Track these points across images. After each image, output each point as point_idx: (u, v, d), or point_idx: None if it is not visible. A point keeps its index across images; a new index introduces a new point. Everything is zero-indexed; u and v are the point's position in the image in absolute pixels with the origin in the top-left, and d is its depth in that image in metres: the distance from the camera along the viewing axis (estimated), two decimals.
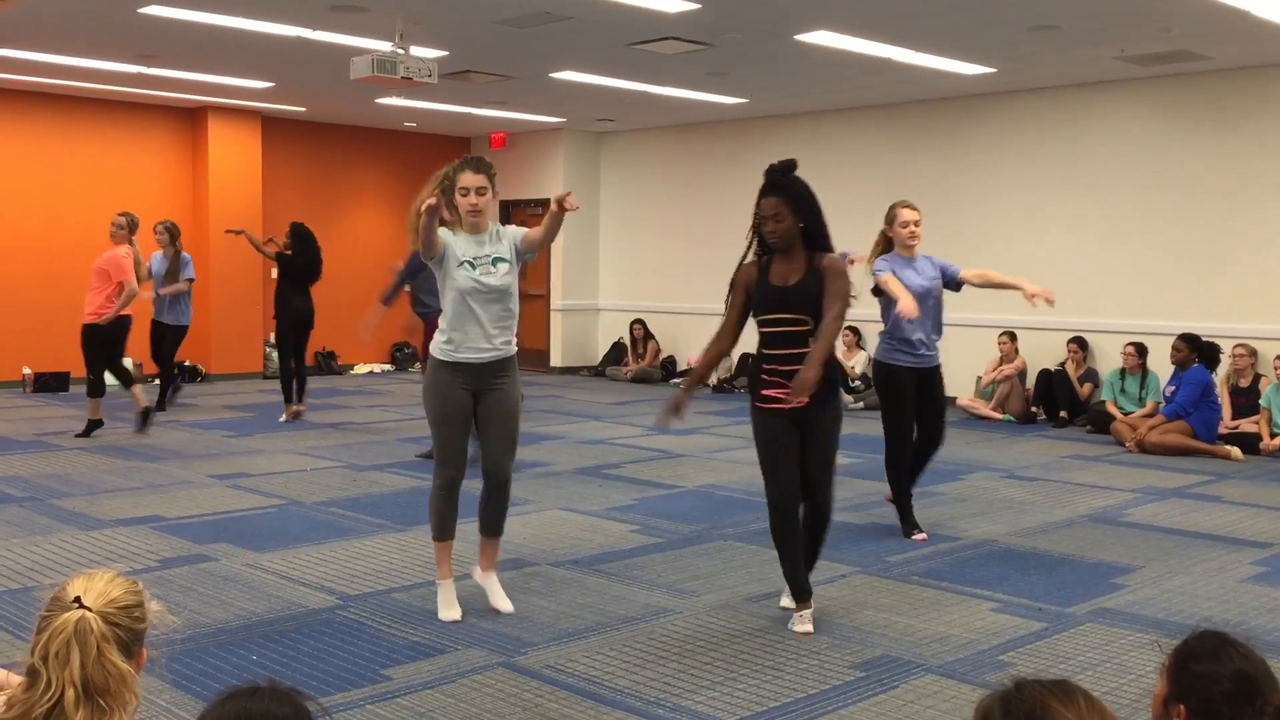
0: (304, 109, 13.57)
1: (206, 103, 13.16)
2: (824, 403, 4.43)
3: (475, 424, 4.67)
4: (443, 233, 4.55)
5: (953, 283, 6.18)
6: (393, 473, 7.81)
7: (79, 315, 9.27)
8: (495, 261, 4.62)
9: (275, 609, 4.74)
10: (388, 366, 15.22)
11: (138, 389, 9.30)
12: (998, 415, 10.89)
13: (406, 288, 8.78)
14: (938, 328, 6.12)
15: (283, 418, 10.26)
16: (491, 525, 4.77)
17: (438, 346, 4.62)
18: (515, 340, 4.71)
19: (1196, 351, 9.23)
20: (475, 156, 4.67)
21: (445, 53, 9.59)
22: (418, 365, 15.47)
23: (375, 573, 5.31)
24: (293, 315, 10.21)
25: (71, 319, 11.17)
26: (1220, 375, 9.55)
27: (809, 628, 4.49)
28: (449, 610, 4.65)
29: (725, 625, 4.58)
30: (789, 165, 4.47)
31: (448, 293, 4.58)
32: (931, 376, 6.08)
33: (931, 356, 6.08)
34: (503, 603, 4.71)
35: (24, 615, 4.43)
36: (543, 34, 8.95)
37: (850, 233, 12.54)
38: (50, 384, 12.19)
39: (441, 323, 4.63)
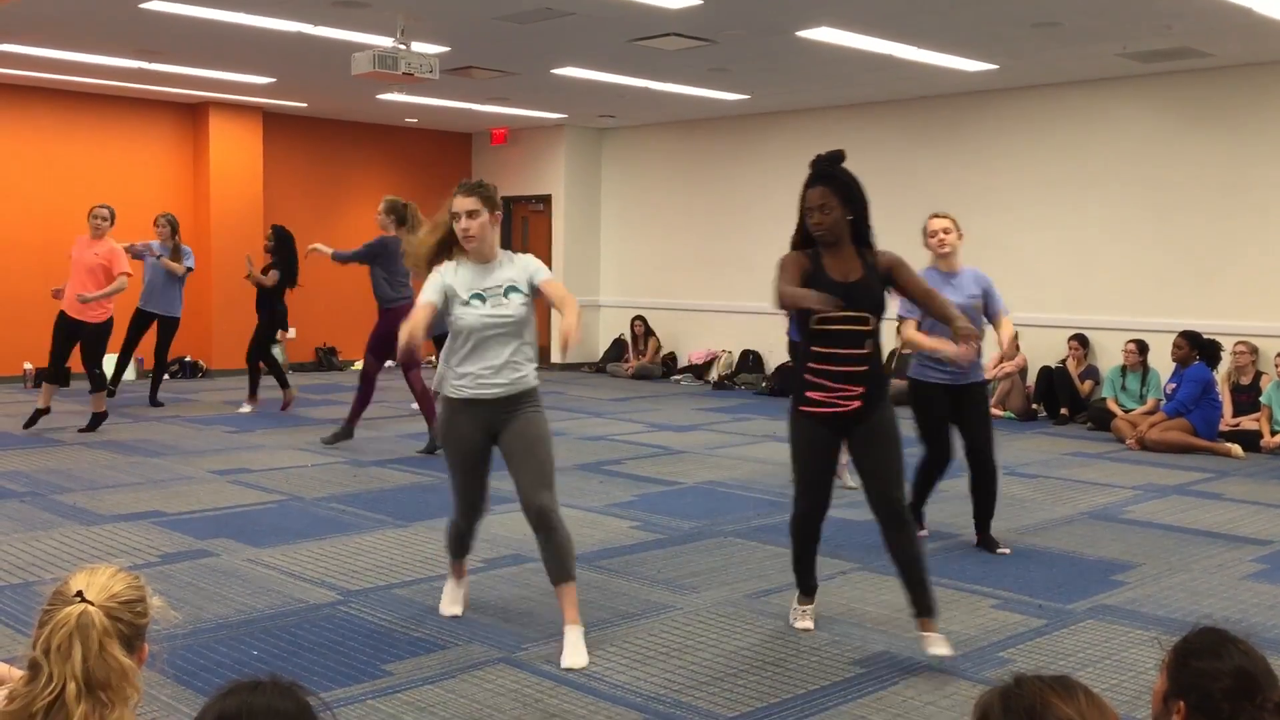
0: (305, 105, 13.57)
1: (208, 98, 13.15)
2: (873, 406, 4.15)
3: (505, 461, 4.28)
4: (444, 269, 4.24)
5: (989, 316, 5.82)
6: (394, 468, 7.81)
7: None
8: (508, 291, 4.19)
9: (276, 604, 4.75)
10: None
11: (103, 396, 9.24)
12: (999, 412, 10.89)
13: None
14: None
15: (247, 409, 10.41)
16: (554, 572, 4.19)
17: (449, 383, 4.26)
18: (533, 370, 4.30)
19: (1197, 349, 9.23)
20: (468, 180, 4.30)
21: (446, 48, 9.59)
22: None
23: (376, 568, 5.32)
24: (270, 314, 10.39)
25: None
26: (1221, 373, 9.55)
27: (809, 624, 4.47)
28: (450, 606, 4.63)
29: (725, 621, 4.58)
30: (837, 155, 4.21)
31: (457, 329, 4.20)
32: (966, 394, 5.68)
33: (962, 373, 5.59)
34: (571, 657, 4.06)
35: (25, 610, 4.44)
36: (544, 30, 8.95)
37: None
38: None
39: (451, 356, 4.25)
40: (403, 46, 8.23)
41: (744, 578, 5.23)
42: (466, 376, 4.21)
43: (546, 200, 15.27)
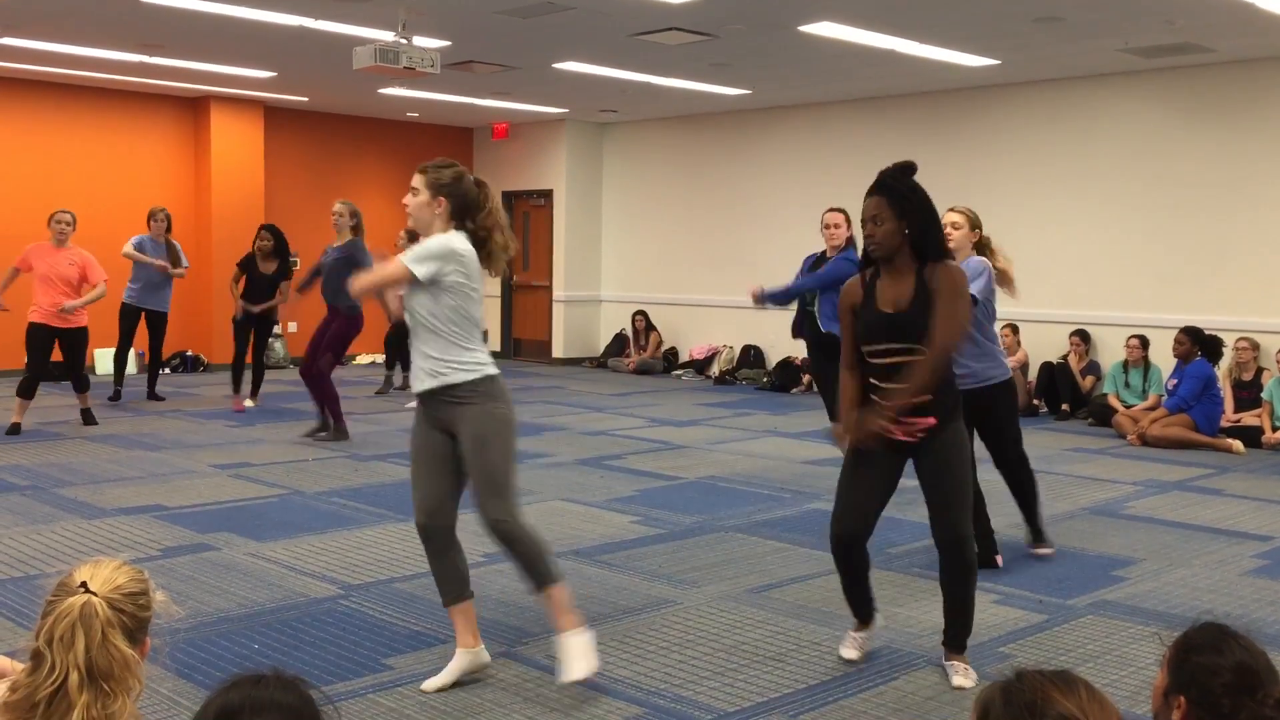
0: (306, 99, 13.56)
1: (209, 92, 13.15)
2: (940, 426, 3.85)
3: None
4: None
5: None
6: (394, 463, 7.81)
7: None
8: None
9: (277, 598, 4.75)
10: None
11: (88, 396, 9.28)
12: None
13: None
14: (976, 343, 5.11)
15: (240, 406, 10.40)
16: (526, 580, 3.99)
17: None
18: (464, 366, 3.85)
19: (1199, 345, 9.22)
20: (436, 160, 4.06)
21: (448, 43, 9.58)
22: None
23: (377, 562, 5.32)
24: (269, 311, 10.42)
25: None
26: (1222, 368, 9.54)
27: (854, 654, 4.10)
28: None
29: (727, 616, 4.58)
30: (905, 166, 3.89)
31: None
32: (978, 399, 5.01)
33: (970, 378, 5.02)
34: (569, 669, 3.78)
35: (26, 603, 4.45)
36: (545, 24, 8.94)
37: (854, 224, 12.54)
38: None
39: None
40: (404, 41, 8.22)
41: (745, 572, 5.23)
42: (412, 369, 3.99)
43: (548, 195, 15.26)
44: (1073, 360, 10.75)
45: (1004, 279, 5.43)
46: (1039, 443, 9.17)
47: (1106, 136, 10.85)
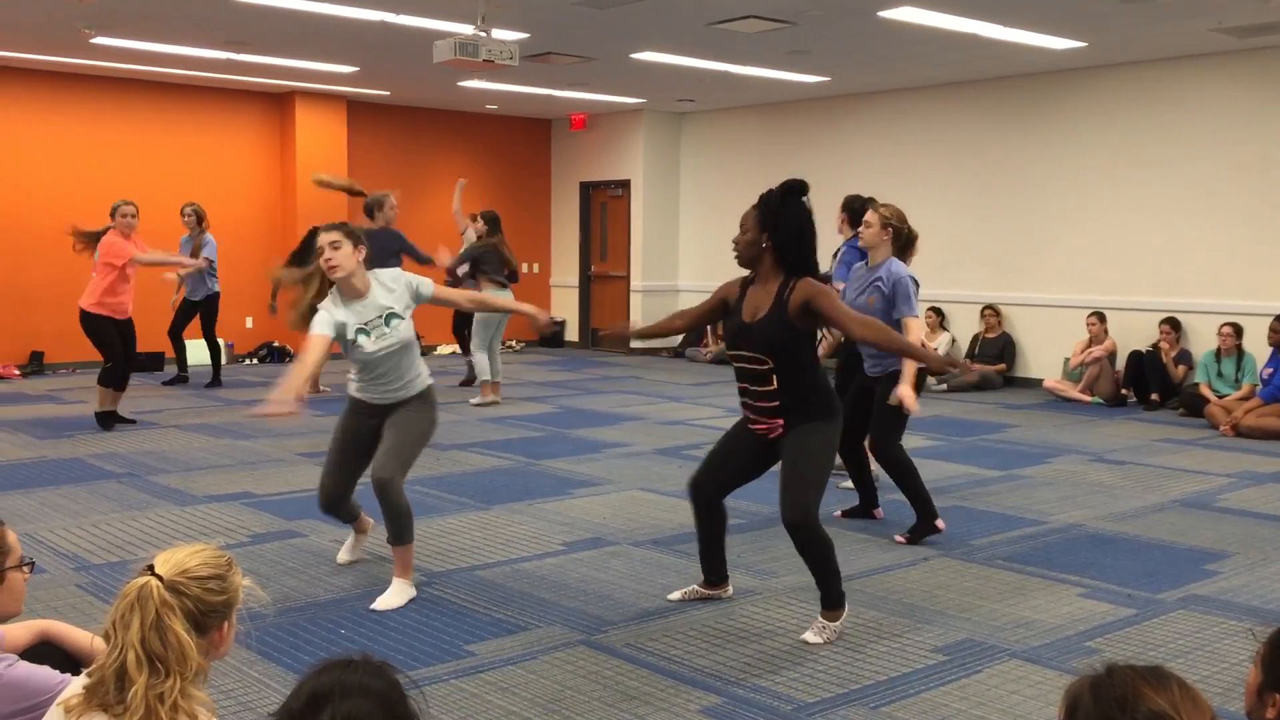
0: (388, 93, 13.74)
1: (294, 88, 13.39)
2: (792, 428, 4.17)
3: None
4: (327, 305, 4.52)
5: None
6: (475, 452, 7.90)
7: (170, 296, 9.47)
8: (388, 319, 4.55)
9: (362, 584, 4.84)
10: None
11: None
12: (1086, 398, 10.68)
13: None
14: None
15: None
16: (388, 533, 4.69)
17: (353, 385, 4.71)
18: (420, 378, 4.71)
19: None
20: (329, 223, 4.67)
21: (526, 35, 9.64)
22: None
23: (459, 550, 5.39)
24: None
25: (164, 299, 11.55)
26: None
27: (816, 639, 4.18)
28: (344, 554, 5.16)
29: (805, 606, 4.56)
30: (792, 186, 4.33)
31: (354, 360, 4.60)
32: (879, 384, 5.60)
33: (878, 367, 5.65)
34: (383, 600, 4.58)
35: (119, 587, 4.57)
36: (623, 14, 8.95)
37: (932, 213, 12.39)
38: (145, 364, 12.53)
39: (354, 372, 4.69)
40: (483, 34, 8.29)
41: None
42: (366, 391, 4.65)
43: (625, 185, 15.29)
44: (1165, 348, 10.50)
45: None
46: (1129, 433, 8.98)
47: (1197, 119, 10.55)
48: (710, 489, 4.47)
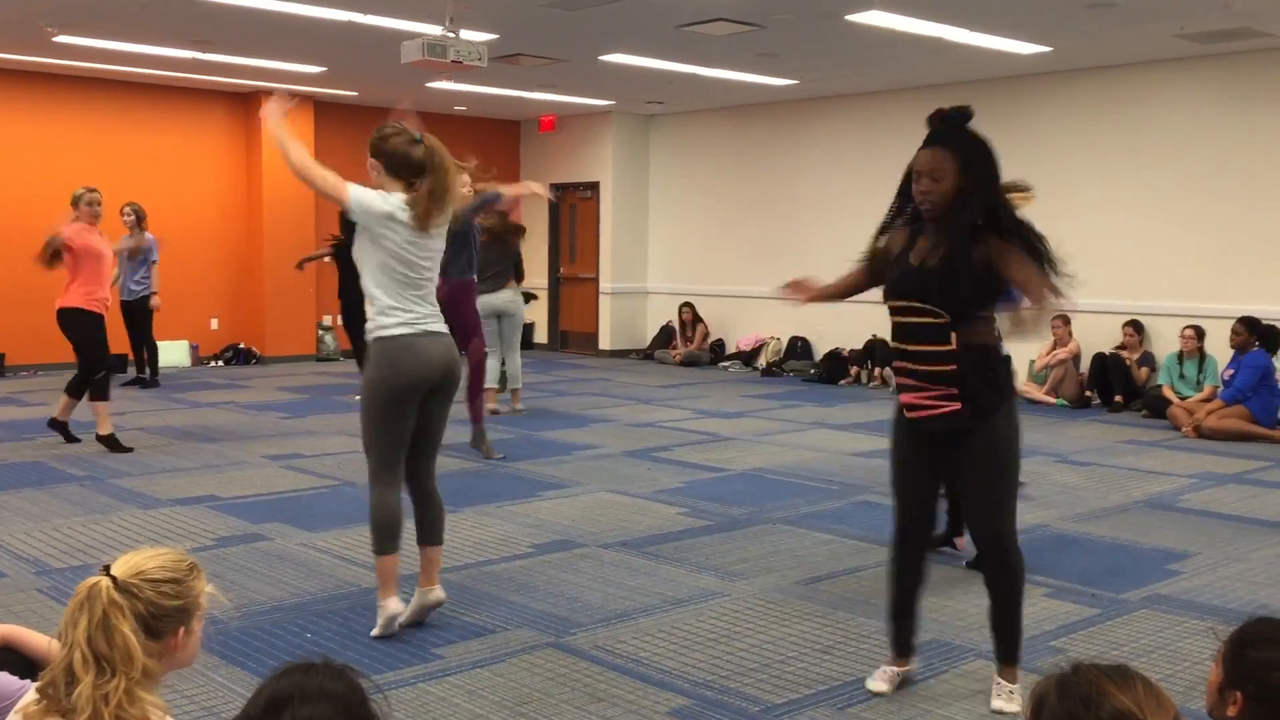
0: (355, 93, 13.67)
1: (260, 87, 13.29)
2: (980, 413, 3.51)
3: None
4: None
5: None
6: (443, 454, 7.84)
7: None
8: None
9: (328, 588, 4.81)
10: None
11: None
12: (1051, 400, 10.77)
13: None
14: None
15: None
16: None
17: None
18: (365, 325, 4.28)
19: (1256, 335, 9.06)
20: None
21: (495, 36, 9.61)
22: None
23: None
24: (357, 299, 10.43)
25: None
26: None
27: (883, 686, 3.70)
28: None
29: (774, 608, 4.57)
30: (963, 112, 3.58)
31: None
32: None
33: None
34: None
35: None
36: (593, 16, 8.94)
37: None
38: (113, 365, 12.41)
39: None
40: (452, 34, 8.26)
41: (792, 564, 5.21)
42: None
43: (594, 187, 15.28)
44: (1127, 351, 10.60)
45: None
46: (1092, 435, 9.06)
47: (1160, 124, 10.67)
48: (921, 531, 3.71)
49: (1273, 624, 2.06)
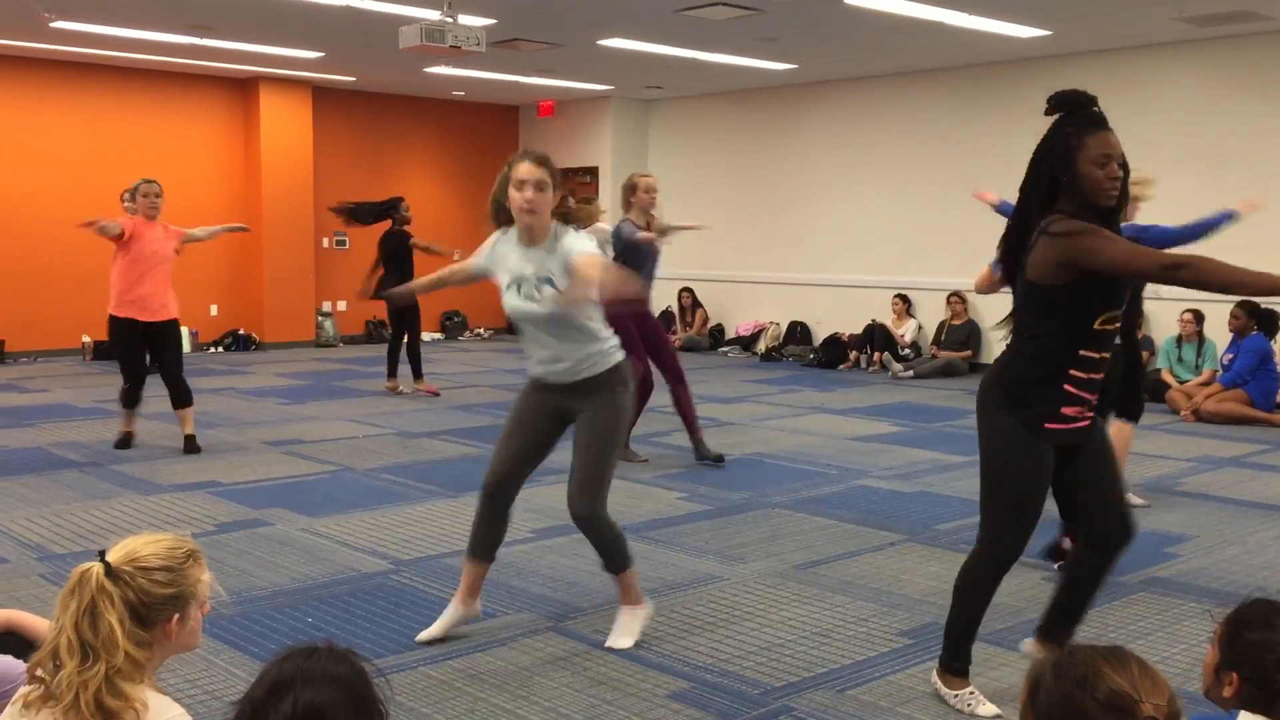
0: (354, 79, 13.64)
1: (258, 73, 13.27)
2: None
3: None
4: (494, 237, 3.97)
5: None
6: (444, 440, 7.88)
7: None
8: (541, 284, 3.79)
9: (329, 573, 4.82)
10: (438, 335, 15.34)
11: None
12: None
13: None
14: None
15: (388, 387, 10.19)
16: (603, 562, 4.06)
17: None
18: (602, 356, 3.89)
19: (1255, 319, 9.07)
20: (537, 150, 3.89)
21: (493, 21, 9.59)
22: (466, 334, 15.59)
23: (427, 538, 5.38)
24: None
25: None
26: (1279, 343, 9.37)
27: (993, 709, 3.44)
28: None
29: (773, 592, 4.59)
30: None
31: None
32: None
33: None
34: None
35: None
36: (591, 1, 8.92)
37: (898, 201, 12.43)
38: (110, 352, 12.40)
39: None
40: (450, 20, 8.24)
41: (791, 548, 5.23)
42: (536, 365, 3.97)
43: (593, 172, 15.26)
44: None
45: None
46: None
47: (1160, 108, 10.65)
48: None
49: (1269, 605, 2.08)
